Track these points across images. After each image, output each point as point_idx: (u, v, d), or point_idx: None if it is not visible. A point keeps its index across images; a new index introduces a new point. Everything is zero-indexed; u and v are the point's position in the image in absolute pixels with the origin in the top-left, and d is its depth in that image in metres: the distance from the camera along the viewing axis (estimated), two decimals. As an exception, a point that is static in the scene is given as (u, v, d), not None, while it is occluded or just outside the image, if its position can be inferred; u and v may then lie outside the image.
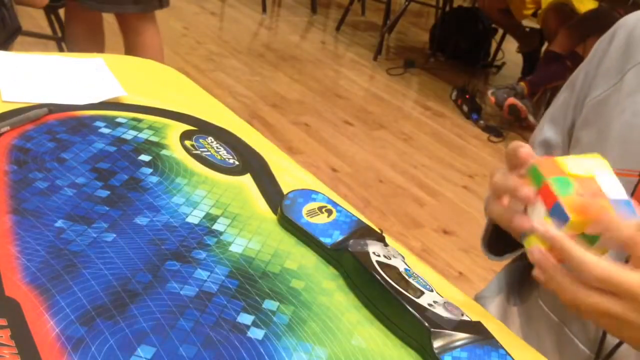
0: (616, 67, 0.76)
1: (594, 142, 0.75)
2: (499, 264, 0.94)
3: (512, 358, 0.57)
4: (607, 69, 0.77)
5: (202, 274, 0.61)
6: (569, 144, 0.82)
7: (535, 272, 0.56)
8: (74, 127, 0.81)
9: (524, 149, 0.58)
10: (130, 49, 2.07)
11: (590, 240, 0.54)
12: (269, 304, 0.59)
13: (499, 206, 0.61)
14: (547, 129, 0.85)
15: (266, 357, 0.54)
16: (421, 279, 0.63)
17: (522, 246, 0.78)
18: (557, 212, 0.54)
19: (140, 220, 0.67)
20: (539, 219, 0.55)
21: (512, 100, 3.06)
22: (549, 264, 0.54)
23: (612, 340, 0.70)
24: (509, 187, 0.59)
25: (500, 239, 0.80)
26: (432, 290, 0.62)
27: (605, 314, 0.54)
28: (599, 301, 0.53)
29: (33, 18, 2.84)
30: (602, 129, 0.75)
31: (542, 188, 0.55)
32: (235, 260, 0.64)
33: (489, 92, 3.19)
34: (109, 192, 0.70)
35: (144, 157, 0.78)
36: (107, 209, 0.67)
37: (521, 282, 0.89)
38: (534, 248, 0.55)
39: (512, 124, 3.13)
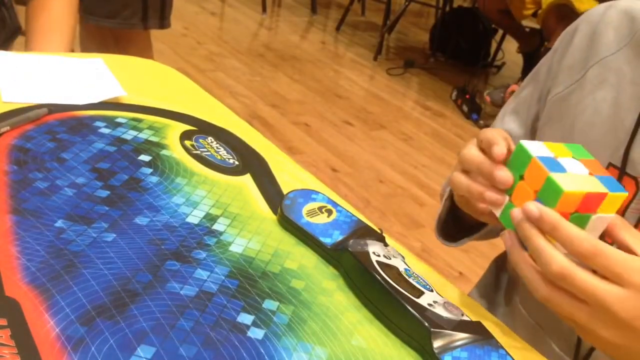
0: (579, 62, 0.74)
1: (557, 140, 0.74)
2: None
3: (512, 358, 0.57)
4: (570, 64, 0.75)
5: (202, 273, 0.61)
6: (531, 138, 0.81)
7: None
8: (74, 127, 0.81)
9: (498, 148, 0.55)
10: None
11: (581, 220, 0.52)
12: (269, 304, 0.59)
13: (467, 180, 0.58)
14: (508, 120, 0.83)
15: (266, 357, 0.54)
16: (421, 279, 0.63)
17: (477, 231, 0.78)
18: (548, 189, 0.51)
19: (140, 220, 0.67)
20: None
21: (515, 86, 3.06)
22: (518, 255, 0.52)
23: (588, 344, 0.70)
24: (486, 166, 0.55)
25: (457, 224, 0.79)
26: (432, 290, 0.62)
27: (569, 318, 0.51)
28: (558, 301, 0.50)
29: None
30: (564, 128, 0.73)
31: (530, 167, 0.53)
32: (235, 260, 0.64)
33: (485, 93, 3.19)
34: (109, 192, 0.70)
35: (144, 157, 0.78)
36: (107, 209, 0.67)
37: (502, 285, 0.89)
38: (507, 237, 0.53)
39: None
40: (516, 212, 0.52)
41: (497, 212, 0.56)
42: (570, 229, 0.50)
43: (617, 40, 0.71)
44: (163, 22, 1.94)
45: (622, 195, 0.52)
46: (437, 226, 0.81)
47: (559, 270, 0.49)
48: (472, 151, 0.58)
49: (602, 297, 0.48)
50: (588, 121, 0.71)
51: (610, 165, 0.68)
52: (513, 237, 0.53)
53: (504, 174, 0.54)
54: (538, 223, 0.50)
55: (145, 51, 2.00)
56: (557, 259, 0.49)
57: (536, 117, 0.79)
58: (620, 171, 0.67)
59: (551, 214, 0.50)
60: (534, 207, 0.50)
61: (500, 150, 0.55)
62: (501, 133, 0.58)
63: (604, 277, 0.49)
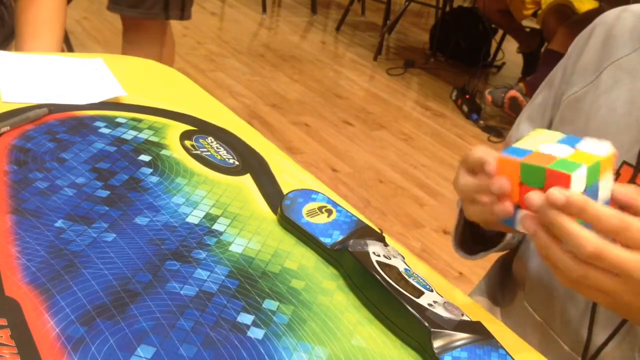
0: (593, 64, 0.76)
1: None
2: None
3: (512, 358, 0.57)
4: (585, 66, 0.76)
5: (202, 273, 0.61)
6: None
7: (534, 246, 0.55)
8: (74, 127, 0.81)
9: (489, 166, 0.57)
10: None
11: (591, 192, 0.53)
12: (269, 304, 0.59)
13: (475, 206, 0.60)
14: (524, 128, 0.84)
15: (266, 357, 0.54)
16: (421, 279, 0.63)
17: (495, 245, 0.78)
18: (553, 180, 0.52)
19: (140, 220, 0.67)
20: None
21: (513, 92, 3.06)
22: (545, 239, 0.53)
23: (597, 342, 0.70)
24: (480, 185, 0.58)
25: (474, 237, 0.79)
26: (432, 290, 0.62)
27: (602, 292, 0.53)
28: (595, 278, 0.52)
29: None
30: (579, 127, 0.74)
31: (548, 176, 0.53)
32: (235, 260, 0.64)
33: (487, 92, 3.19)
34: (109, 192, 0.70)
35: (144, 157, 0.78)
36: (107, 209, 0.67)
37: (507, 283, 0.89)
38: (529, 223, 0.54)
39: (512, 123, 3.13)
40: (535, 198, 0.53)
41: (515, 225, 0.57)
42: (597, 208, 0.51)
43: (631, 42, 0.73)
44: (184, 13, 1.99)
45: (612, 155, 0.54)
46: (455, 239, 0.81)
47: (594, 251, 0.50)
48: (461, 180, 0.61)
49: (633, 268, 0.50)
50: (602, 120, 0.72)
51: (624, 164, 0.69)
52: (535, 222, 0.53)
53: (499, 184, 0.55)
54: (565, 208, 0.51)
55: (165, 40, 2.05)
56: (591, 240, 0.50)
57: (551, 122, 0.80)
58: (635, 169, 0.68)
59: (577, 197, 0.51)
60: (559, 193, 0.51)
61: (490, 167, 0.57)
62: (485, 150, 0.59)
63: (634, 248, 0.51)
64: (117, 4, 1.93)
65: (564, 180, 0.52)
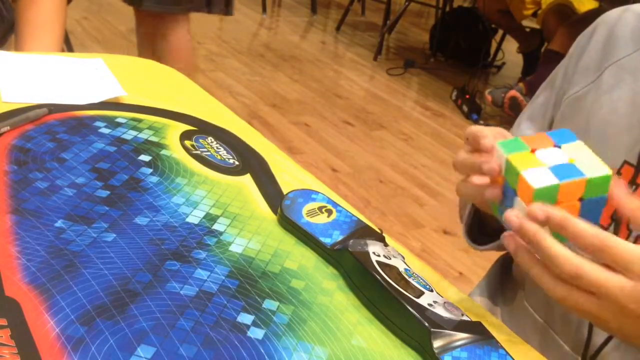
0: (595, 64, 0.76)
1: None
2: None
3: (512, 358, 0.57)
4: (586, 65, 0.76)
5: (202, 273, 0.61)
6: None
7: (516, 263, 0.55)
8: (74, 127, 0.81)
9: (487, 140, 0.57)
10: (159, 51, 1.98)
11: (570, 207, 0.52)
12: (269, 304, 0.59)
13: (468, 186, 0.60)
14: (524, 127, 0.84)
15: (266, 357, 0.54)
16: (421, 279, 0.63)
17: (498, 237, 0.78)
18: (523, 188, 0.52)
19: (140, 220, 0.67)
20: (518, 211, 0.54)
21: (513, 92, 3.06)
22: (527, 259, 0.53)
23: (597, 342, 0.70)
24: (474, 163, 0.58)
25: (482, 229, 0.79)
26: (432, 290, 0.62)
27: (581, 311, 0.53)
28: (574, 298, 0.52)
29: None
30: (579, 127, 0.74)
31: (519, 183, 0.53)
32: (235, 260, 0.64)
33: (487, 92, 3.19)
34: (109, 192, 0.70)
35: (144, 157, 0.78)
36: (107, 209, 0.67)
37: (507, 283, 0.89)
38: (509, 241, 0.54)
39: (512, 123, 3.13)
40: (512, 217, 0.52)
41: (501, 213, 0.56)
42: (577, 226, 0.51)
43: (633, 42, 0.73)
44: (228, 8, 1.98)
45: (605, 177, 0.52)
46: (465, 230, 0.81)
47: (574, 271, 0.50)
48: (460, 156, 0.61)
49: (610, 289, 0.50)
50: (604, 119, 0.72)
51: (625, 163, 0.69)
52: (516, 239, 0.54)
53: (489, 166, 0.56)
54: (545, 224, 0.51)
55: (186, 35, 2.03)
56: (569, 260, 0.50)
57: (552, 122, 0.80)
58: (636, 169, 0.68)
59: (557, 214, 0.51)
60: (539, 210, 0.51)
61: (485, 142, 0.57)
62: (492, 128, 0.60)
63: (612, 268, 0.50)
64: (158, 3, 1.86)
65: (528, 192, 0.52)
